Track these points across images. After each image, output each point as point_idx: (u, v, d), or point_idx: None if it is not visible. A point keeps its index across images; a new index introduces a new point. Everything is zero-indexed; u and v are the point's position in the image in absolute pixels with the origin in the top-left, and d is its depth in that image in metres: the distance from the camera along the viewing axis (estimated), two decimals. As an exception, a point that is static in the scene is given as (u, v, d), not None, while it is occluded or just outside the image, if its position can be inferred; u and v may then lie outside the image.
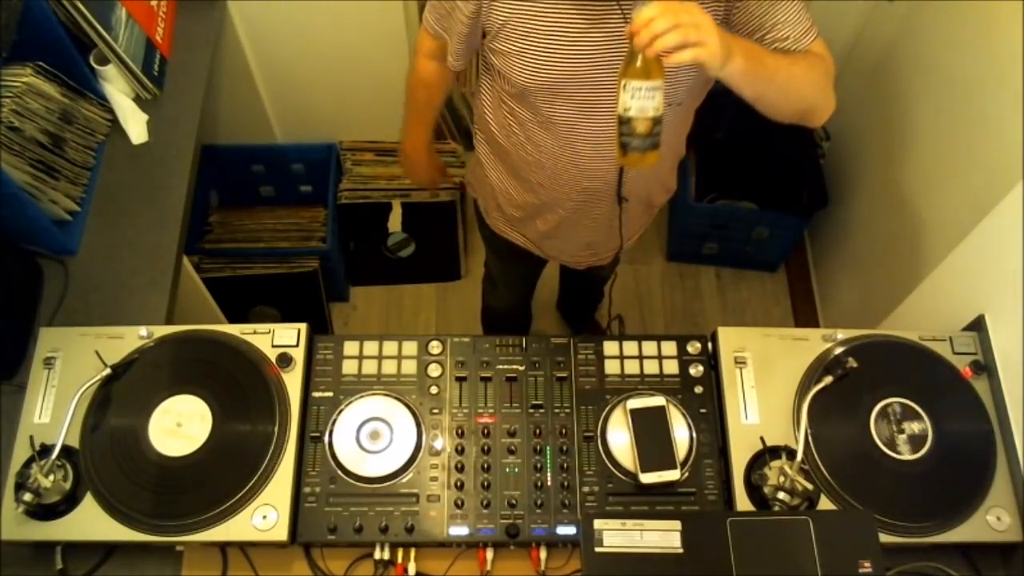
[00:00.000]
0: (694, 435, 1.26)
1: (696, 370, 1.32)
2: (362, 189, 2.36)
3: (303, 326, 1.32)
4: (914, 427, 1.27)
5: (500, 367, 1.32)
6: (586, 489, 1.24)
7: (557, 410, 1.30)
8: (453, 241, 2.51)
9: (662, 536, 1.06)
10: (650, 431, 1.24)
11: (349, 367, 1.31)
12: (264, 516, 1.19)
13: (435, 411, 1.29)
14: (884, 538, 1.17)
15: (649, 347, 1.34)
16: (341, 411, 1.27)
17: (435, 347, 1.33)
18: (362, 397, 1.28)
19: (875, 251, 2.19)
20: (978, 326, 1.37)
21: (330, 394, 1.29)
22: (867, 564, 1.05)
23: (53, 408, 1.26)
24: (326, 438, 1.25)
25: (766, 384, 1.30)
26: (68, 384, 1.26)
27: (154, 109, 1.68)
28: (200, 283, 1.91)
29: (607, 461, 1.25)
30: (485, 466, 1.25)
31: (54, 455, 1.19)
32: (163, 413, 1.25)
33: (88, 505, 1.20)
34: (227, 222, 2.43)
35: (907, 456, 1.25)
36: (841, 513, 1.20)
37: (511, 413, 1.29)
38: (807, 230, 2.60)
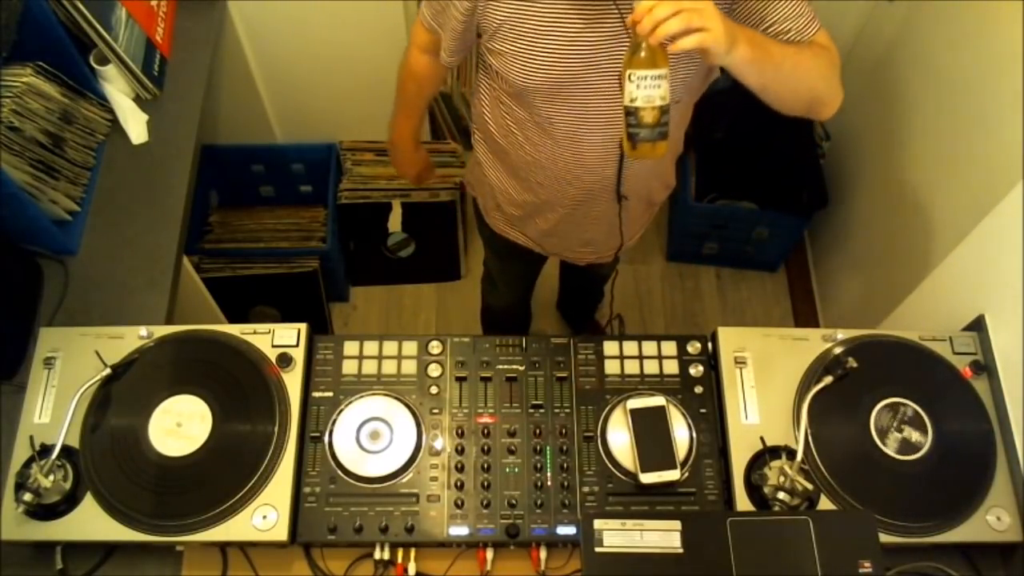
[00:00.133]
0: (694, 435, 1.26)
1: (696, 370, 1.32)
2: (362, 189, 2.36)
3: (303, 326, 1.32)
4: (914, 427, 1.27)
5: (500, 367, 1.32)
6: (586, 489, 1.24)
7: (557, 410, 1.30)
8: (453, 241, 2.51)
9: (662, 536, 1.05)
10: (650, 431, 1.24)
11: (349, 367, 1.31)
12: (264, 516, 1.19)
13: (435, 411, 1.29)
14: (884, 538, 1.17)
15: (649, 347, 1.34)
16: (341, 411, 1.27)
17: (435, 347, 1.33)
18: (362, 397, 1.28)
19: (875, 251, 2.19)
20: (978, 326, 1.37)
21: (330, 394, 1.29)
22: (867, 564, 1.05)
23: (53, 408, 1.26)
24: (326, 438, 1.25)
25: (766, 384, 1.30)
26: (68, 384, 1.26)
27: (154, 109, 1.68)
28: (200, 283, 1.91)
29: (607, 461, 1.25)
30: (485, 466, 1.25)
31: (54, 455, 1.19)
32: (163, 413, 1.25)
33: (88, 505, 1.20)
34: (227, 222, 2.43)
35: (907, 456, 1.25)
36: (841, 513, 1.20)
37: (511, 413, 1.29)
38: (807, 230, 2.60)
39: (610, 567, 1.04)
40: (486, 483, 1.24)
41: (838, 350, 1.32)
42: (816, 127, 2.44)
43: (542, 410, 1.30)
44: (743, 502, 1.22)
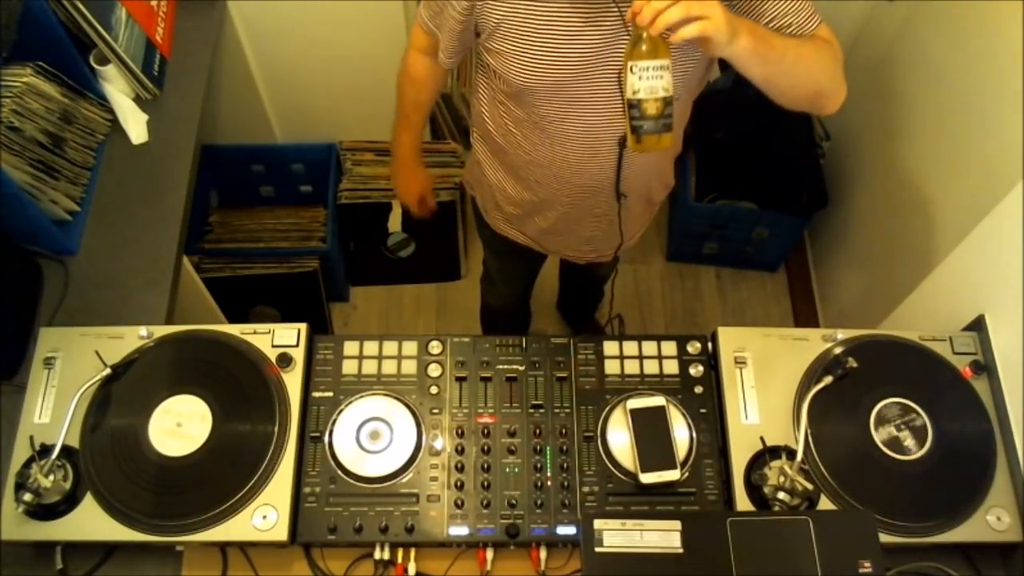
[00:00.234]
0: (694, 435, 1.26)
1: (696, 370, 1.32)
2: (362, 189, 2.36)
3: (303, 326, 1.32)
4: (914, 427, 1.27)
5: (500, 367, 1.32)
6: (586, 489, 1.24)
7: (557, 410, 1.30)
8: (453, 241, 2.51)
9: (662, 536, 1.05)
10: (650, 431, 1.24)
11: (349, 367, 1.31)
12: (264, 516, 1.19)
13: (435, 411, 1.29)
14: (884, 538, 1.17)
15: (649, 347, 1.34)
16: (341, 411, 1.27)
17: (435, 347, 1.33)
18: (362, 397, 1.28)
19: (875, 251, 2.19)
20: (978, 326, 1.37)
21: (330, 394, 1.29)
22: (867, 564, 1.05)
23: (53, 408, 1.26)
24: (326, 438, 1.25)
25: (766, 384, 1.30)
26: (68, 384, 1.26)
27: (154, 109, 1.68)
28: (200, 283, 1.91)
29: (607, 461, 1.25)
30: (485, 466, 1.25)
31: (54, 455, 1.18)
32: (163, 413, 1.25)
33: (88, 505, 1.20)
34: (227, 222, 2.43)
35: (907, 456, 1.25)
36: (841, 513, 1.20)
37: (511, 413, 1.29)
38: (807, 230, 2.60)
39: (610, 567, 1.04)
40: (486, 483, 1.24)
41: (838, 350, 1.32)
42: (816, 127, 2.44)
43: (542, 410, 1.30)
44: (743, 502, 1.22)
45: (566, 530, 1.22)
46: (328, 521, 1.21)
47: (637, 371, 1.32)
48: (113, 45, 1.59)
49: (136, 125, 1.64)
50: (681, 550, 1.05)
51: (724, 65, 2.38)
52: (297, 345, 1.31)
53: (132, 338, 1.31)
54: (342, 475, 1.23)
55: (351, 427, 1.26)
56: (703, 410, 1.29)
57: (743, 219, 2.48)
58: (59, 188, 1.49)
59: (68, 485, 1.20)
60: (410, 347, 1.33)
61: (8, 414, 1.30)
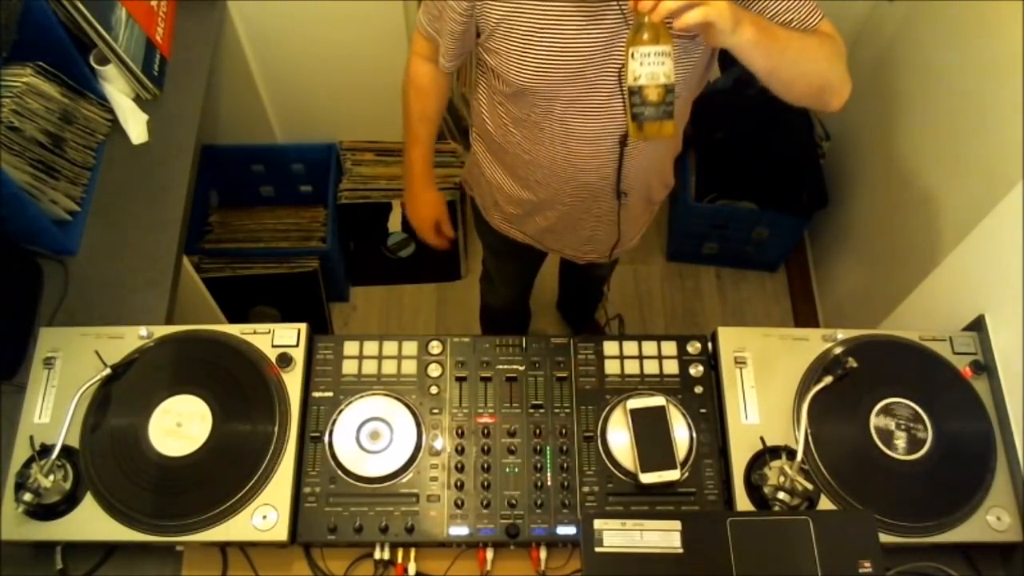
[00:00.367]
0: (694, 435, 1.26)
1: (696, 370, 1.32)
2: (362, 189, 2.36)
3: (303, 326, 1.32)
4: (914, 427, 1.27)
5: (500, 367, 1.32)
6: (586, 489, 1.24)
7: (557, 410, 1.29)
8: (453, 241, 2.51)
9: (662, 536, 1.05)
10: (650, 431, 1.24)
11: (349, 367, 1.31)
12: (264, 516, 1.19)
13: (435, 411, 1.29)
14: (884, 538, 1.17)
15: (649, 347, 1.34)
16: (341, 411, 1.27)
17: (435, 347, 1.33)
18: (362, 397, 1.28)
19: (875, 251, 2.19)
20: (978, 326, 1.37)
21: (330, 394, 1.29)
22: (867, 564, 1.05)
23: (53, 408, 1.26)
24: (326, 438, 1.25)
25: (766, 384, 1.30)
26: (68, 384, 1.26)
27: (154, 109, 1.68)
28: (200, 283, 1.91)
29: (607, 461, 1.25)
30: (485, 466, 1.25)
31: (54, 455, 1.18)
32: (163, 413, 1.25)
33: (88, 505, 1.20)
34: (227, 222, 2.43)
35: (907, 456, 1.25)
36: (841, 513, 1.20)
37: (511, 413, 1.29)
38: (807, 230, 2.60)
39: (610, 567, 1.04)
40: (486, 483, 1.24)
41: (838, 350, 1.32)
42: (816, 127, 2.44)
43: (542, 410, 1.30)
44: (743, 502, 1.22)
45: (566, 530, 1.22)
46: (328, 521, 1.21)
47: (637, 371, 1.32)
48: (113, 45, 1.59)
49: (136, 125, 1.64)
50: (681, 550, 1.05)
51: (724, 65, 2.40)
52: (297, 345, 1.31)
53: (132, 338, 1.30)
54: (342, 475, 1.23)
55: (351, 427, 1.26)
56: (703, 410, 1.29)
57: (743, 219, 2.48)
58: (59, 188, 1.49)
59: (68, 485, 1.20)
60: (410, 347, 1.33)
61: (8, 414, 1.30)
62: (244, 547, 1.24)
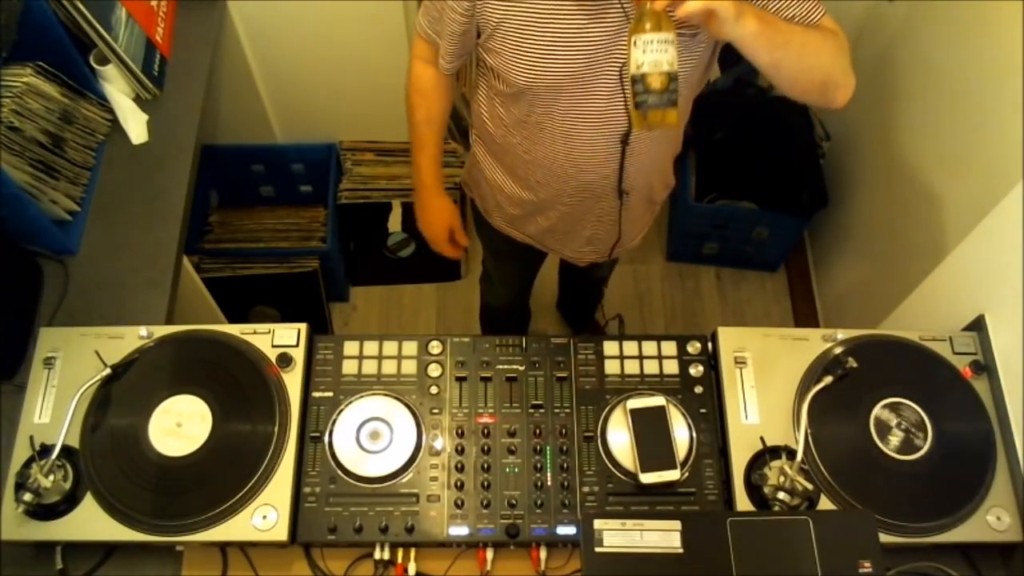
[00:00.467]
0: (694, 435, 1.26)
1: (696, 370, 1.32)
2: (362, 189, 2.36)
3: (303, 326, 1.32)
4: (914, 427, 1.27)
5: (500, 367, 1.32)
6: (586, 489, 1.24)
7: (557, 410, 1.29)
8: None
9: (662, 536, 1.05)
10: (650, 431, 1.24)
11: (349, 367, 1.31)
12: (264, 516, 1.19)
13: (435, 411, 1.29)
14: (884, 538, 1.17)
15: (649, 347, 1.34)
16: (341, 411, 1.27)
17: (435, 347, 1.33)
18: (362, 397, 1.28)
19: (875, 251, 2.19)
20: (978, 326, 1.37)
21: (330, 394, 1.29)
22: (867, 564, 1.05)
23: (53, 408, 1.26)
24: (326, 438, 1.25)
25: (766, 384, 1.30)
26: (68, 384, 1.26)
27: (154, 109, 1.68)
28: (200, 283, 1.91)
29: (607, 461, 1.25)
30: (485, 466, 1.25)
31: (54, 455, 1.18)
32: (163, 413, 1.25)
33: (88, 505, 1.20)
34: (227, 222, 2.43)
35: (907, 456, 1.25)
36: (841, 513, 1.20)
37: (511, 413, 1.29)
38: (807, 230, 2.60)
39: (610, 567, 1.04)
40: (486, 483, 1.24)
41: (838, 350, 1.32)
42: (816, 127, 2.44)
43: (542, 410, 1.30)
44: (743, 502, 1.22)
45: (566, 530, 1.22)
46: (328, 521, 1.21)
47: (637, 371, 1.32)
48: (113, 45, 1.59)
49: (136, 125, 1.64)
50: (681, 550, 1.05)
51: (724, 65, 2.40)
52: (297, 345, 1.31)
53: (132, 338, 1.30)
54: (342, 475, 1.23)
55: (351, 427, 1.26)
56: (703, 410, 1.29)
57: (743, 219, 2.48)
58: (59, 188, 1.49)
59: (68, 485, 1.20)
60: (410, 347, 1.33)
61: (8, 414, 1.30)
62: (244, 547, 1.24)
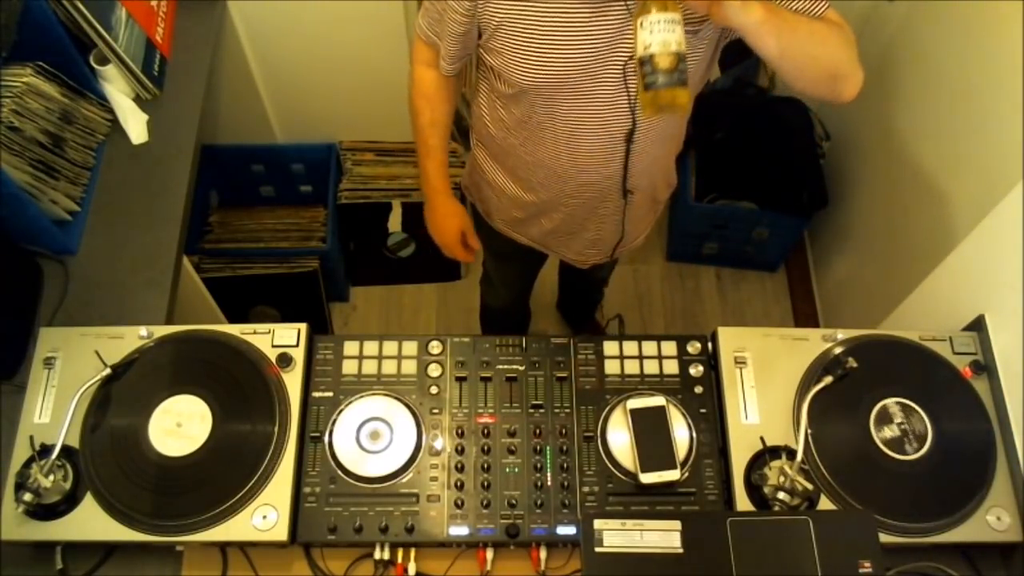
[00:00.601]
0: (694, 435, 1.26)
1: (696, 370, 1.32)
2: (362, 189, 2.36)
3: (303, 326, 1.32)
4: (914, 427, 1.27)
5: (500, 367, 1.32)
6: (586, 489, 1.24)
7: (557, 410, 1.29)
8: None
9: (662, 536, 1.05)
10: (650, 431, 1.24)
11: (349, 367, 1.31)
12: (264, 516, 1.19)
13: (435, 411, 1.29)
14: (884, 538, 1.17)
15: (649, 347, 1.34)
16: (341, 411, 1.27)
17: (435, 347, 1.33)
18: (362, 397, 1.28)
19: (875, 251, 2.19)
20: (978, 326, 1.37)
21: (330, 394, 1.29)
22: (867, 564, 1.05)
23: (53, 408, 1.26)
24: (326, 438, 1.25)
25: (766, 384, 1.30)
26: (68, 384, 1.26)
27: (154, 109, 1.68)
28: (200, 283, 1.91)
29: (607, 461, 1.25)
30: (485, 466, 1.25)
31: (54, 455, 1.18)
32: (163, 413, 1.25)
33: (88, 505, 1.20)
34: (227, 222, 2.43)
35: (907, 456, 1.25)
36: (841, 513, 1.20)
37: (511, 413, 1.29)
38: (807, 230, 2.60)
39: (610, 567, 1.04)
40: (486, 483, 1.24)
41: (838, 350, 1.32)
42: (816, 127, 2.44)
43: (542, 410, 1.30)
44: (743, 502, 1.22)
45: (566, 530, 1.22)
46: (328, 521, 1.21)
47: (637, 371, 1.32)
48: (113, 45, 1.59)
49: (136, 125, 1.64)
50: (681, 550, 1.05)
51: (724, 65, 2.40)
52: (297, 345, 1.31)
53: (132, 338, 1.30)
54: (342, 475, 1.23)
55: (351, 427, 1.26)
56: (703, 410, 1.29)
57: (743, 219, 2.48)
58: (59, 188, 1.49)
59: (68, 485, 1.20)
60: (410, 347, 1.33)
61: (8, 414, 1.30)
62: (244, 547, 1.24)
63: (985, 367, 1.33)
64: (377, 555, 1.21)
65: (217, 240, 2.38)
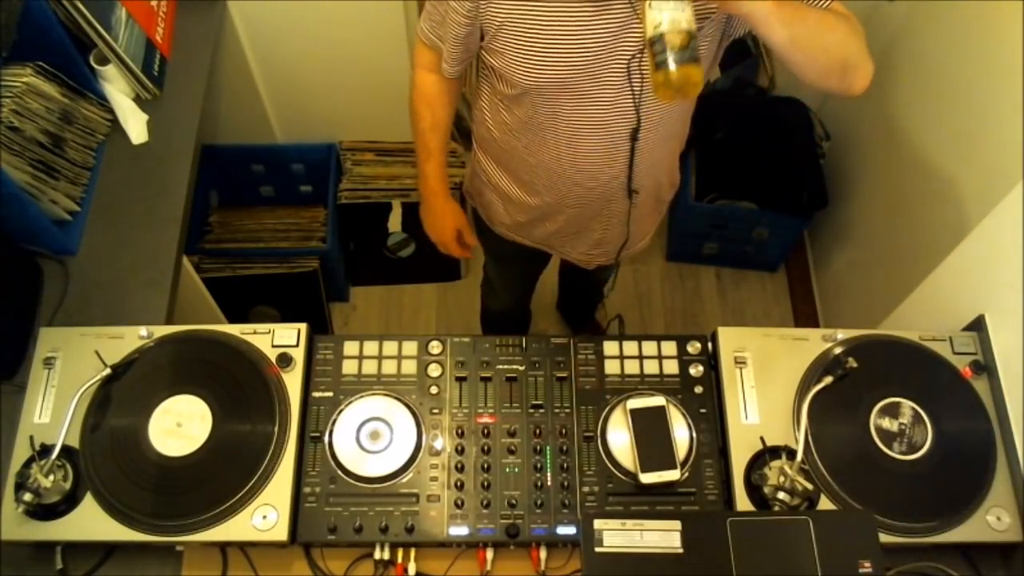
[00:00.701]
0: (694, 435, 1.26)
1: (696, 370, 1.32)
2: (362, 189, 2.36)
3: (303, 326, 1.32)
4: (914, 427, 1.27)
5: (500, 367, 1.32)
6: (586, 489, 1.24)
7: (557, 410, 1.29)
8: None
9: (662, 536, 1.05)
10: (650, 431, 1.24)
11: (349, 367, 1.31)
12: (264, 516, 1.19)
13: (435, 411, 1.29)
14: (884, 538, 1.17)
15: (649, 347, 1.34)
16: (341, 411, 1.27)
17: (435, 347, 1.33)
18: (362, 397, 1.28)
19: (875, 251, 2.19)
20: (978, 326, 1.37)
21: (330, 394, 1.29)
22: (867, 564, 1.05)
23: (53, 408, 1.26)
24: (326, 438, 1.25)
25: (766, 384, 1.30)
26: (68, 384, 1.26)
27: (154, 109, 1.68)
28: (200, 283, 1.91)
29: (607, 461, 1.25)
30: (485, 466, 1.25)
31: (54, 455, 1.18)
32: (163, 413, 1.25)
33: (88, 505, 1.20)
34: (227, 222, 2.43)
35: (907, 456, 1.25)
36: (841, 513, 1.20)
37: (511, 413, 1.29)
38: (807, 230, 2.60)
39: (610, 567, 1.04)
40: (486, 483, 1.24)
41: (838, 350, 1.32)
42: (816, 127, 2.44)
43: (542, 410, 1.30)
44: (743, 502, 1.22)
45: (566, 530, 1.22)
46: (328, 521, 1.21)
47: (637, 371, 1.32)
48: (113, 45, 1.59)
49: (136, 125, 1.64)
50: (681, 550, 1.05)
51: (724, 65, 2.39)
52: (297, 345, 1.31)
53: (132, 338, 1.30)
54: (342, 475, 1.23)
55: (351, 427, 1.26)
56: (703, 410, 1.29)
57: (743, 219, 2.48)
58: (59, 188, 1.49)
59: (68, 485, 1.20)
60: (410, 347, 1.33)
61: (8, 414, 1.30)
62: (244, 547, 1.24)
63: (985, 367, 1.33)
64: (377, 555, 1.21)
65: (217, 240, 2.38)
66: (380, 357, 1.32)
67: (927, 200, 1.86)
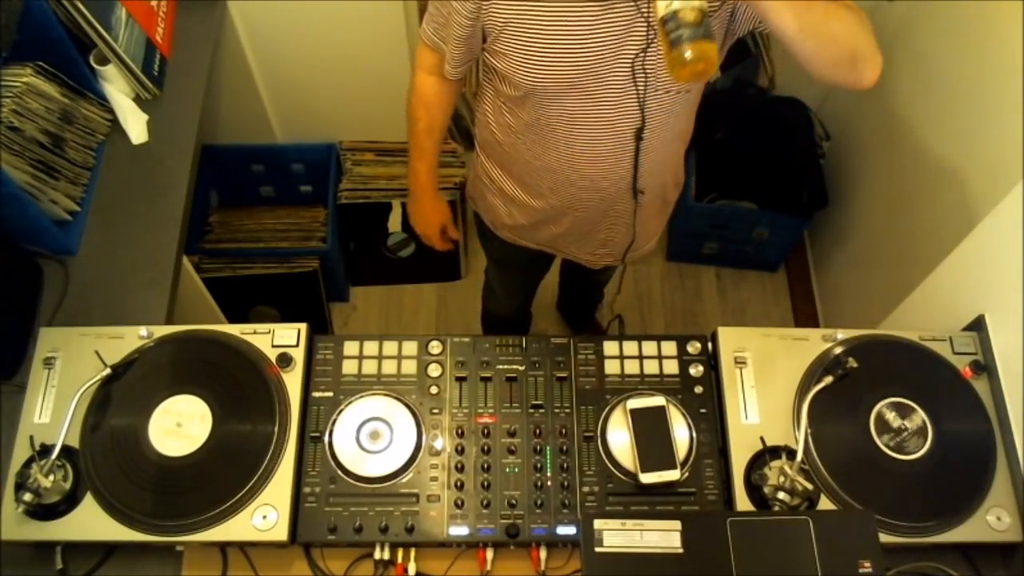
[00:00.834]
0: (694, 435, 1.26)
1: (696, 370, 1.32)
2: (362, 189, 2.36)
3: (303, 326, 1.32)
4: (914, 427, 1.27)
5: (500, 367, 1.32)
6: (586, 489, 1.24)
7: (557, 410, 1.29)
8: (454, 241, 2.51)
9: (662, 536, 1.05)
10: (650, 431, 1.24)
11: (349, 367, 1.31)
12: (264, 516, 1.19)
13: (435, 411, 1.29)
14: (884, 538, 1.17)
15: (649, 347, 1.34)
16: (341, 411, 1.27)
17: (435, 347, 1.33)
18: (362, 397, 1.28)
19: (875, 251, 2.19)
20: (978, 326, 1.37)
21: (330, 394, 1.29)
22: (867, 564, 1.05)
23: (53, 408, 1.26)
24: (326, 438, 1.25)
25: (766, 384, 1.30)
26: (68, 384, 1.26)
27: (154, 109, 1.68)
28: (200, 283, 1.91)
29: (607, 461, 1.25)
30: (485, 466, 1.25)
31: (54, 455, 1.18)
32: (163, 413, 1.25)
33: (88, 505, 1.20)
34: (227, 222, 2.43)
35: (907, 456, 1.25)
36: (841, 513, 1.20)
37: (511, 413, 1.29)
38: (807, 230, 2.60)
39: (610, 567, 1.04)
40: (486, 483, 1.24)
41: (838, 350, 1.32)
42: (816, 127, 2.44)
43: (542, 410, 1.30)
44: (743, 502, 1.22)
45: (566, 530, 1.22)
46: (328, 521, 1.21)
47: (637, 371, 1.32)
48: (113, 45, 1.59)
49: (136, 125, 1.64)
50: (681, 550, 1.05)
51: (724, 66, 2.39)
52: (297, 345, 1.31)
53: (132, 338, 1.30)
54: (342, 475, 1.23)
55: (351, 427, 1.26)
56: (703, 410, 1.29)
57: (743, 219, 2.48)
58: (59, 188, 1.49)
59: (68, 485, 1.20)
60: (410, 347, 1.33)
61: (8, 414, 1.30)
62: (244, 547, 1.24)
63: (985, 367, 1.33)
64: (377, 555, 1.21)
65: (217, 240, 2.38)
66: (380, 357, 1.32)
67: (927, 200, 1.86)
